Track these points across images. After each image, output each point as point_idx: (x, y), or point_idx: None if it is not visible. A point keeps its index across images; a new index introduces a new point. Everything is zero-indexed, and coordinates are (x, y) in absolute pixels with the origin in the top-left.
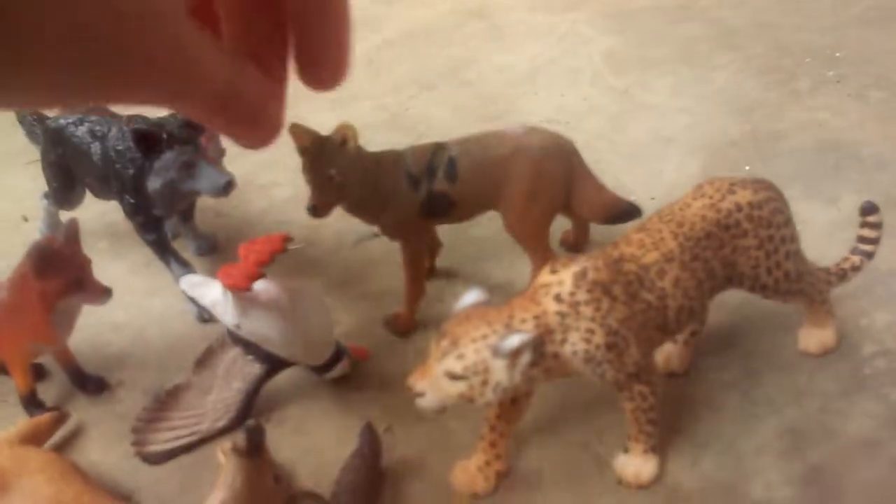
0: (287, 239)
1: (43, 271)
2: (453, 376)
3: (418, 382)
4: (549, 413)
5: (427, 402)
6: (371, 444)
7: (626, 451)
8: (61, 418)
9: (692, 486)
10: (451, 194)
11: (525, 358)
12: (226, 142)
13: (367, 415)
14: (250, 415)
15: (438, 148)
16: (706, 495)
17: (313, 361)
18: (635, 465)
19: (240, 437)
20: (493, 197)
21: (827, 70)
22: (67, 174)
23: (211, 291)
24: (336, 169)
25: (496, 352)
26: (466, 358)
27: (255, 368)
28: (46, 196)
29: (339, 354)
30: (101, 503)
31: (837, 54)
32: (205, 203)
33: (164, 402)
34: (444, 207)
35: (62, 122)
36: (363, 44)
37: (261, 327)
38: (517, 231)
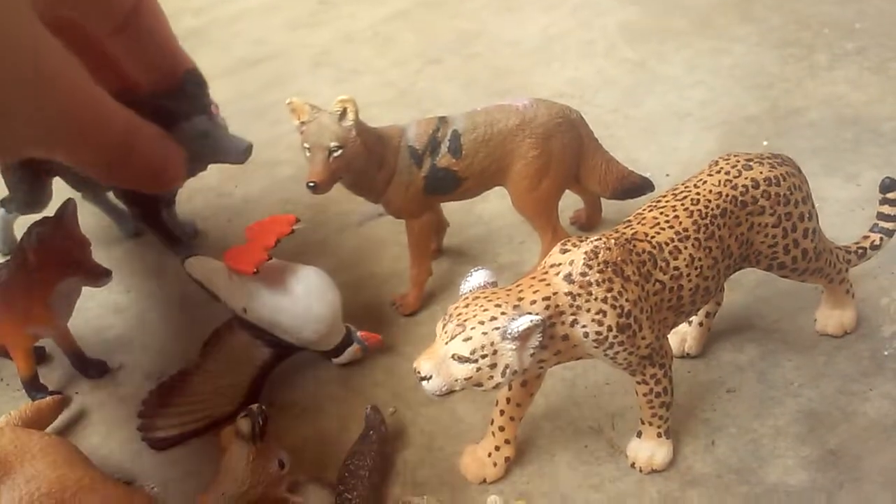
0: (294, 221)
1: (41, 254)
2: (460, 359)
3: (424, 365)
4: (560, 397)
5: (433, 385)
6: (377, 429)
7: (638, 435)
8: (63, 402)
9: (707, 471)
10: (456, 169)
11: (534, 340)
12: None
13: (373, 399)
14: (258, 400)
15: (442, 122)
16: (721, 479)
17: (322, 346)
18: (648, 449)
19: (243, 422)
20: (499, 172)
21: (846, 43)
22: (38, 173)
23: (216, 274)
24: (336, 142)
25: (505, 334)
26: (474, 340)
27: (263, 353)
28: (4, 203)
29: (348, 339)
30: (103, 487)
31: (857, 26)
32: (206, 184)
33: (171, 387)
34: (449, 183)
35: None
36: (367, 17)
37: (268, 311)
38: (525, 208)
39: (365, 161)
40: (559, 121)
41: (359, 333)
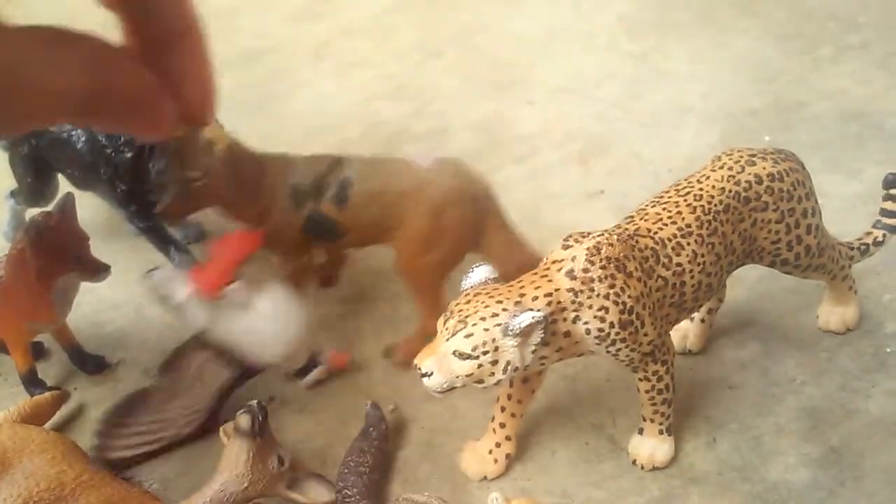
0: (262, 237)
1: (40, 248)
2: (462, 356)
3: (425, 362)
4: (561, 394)
5: (434, 382)
6: (377, 425)
7: (640, 431)
8: (62, 398)
9: (708, 468)
10: (338, 220)
11: (536, 337)
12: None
13: (374, 395)
14: (220, 421)
15: (335, 164)
16: (723, 477)
17: (287, 368)
18: (650, 446)
19: (243, 418)
20: (386, 231)
21: (850, 36)
22: (43, 168)
23: (181, 289)
24: (198, 172)
25: (506, 330)
26: (475, 337)
27: (224, 374)
28: (14, 195)
29: (315, 360)
30: (101, 483)
31: (861, 20)
32: None
33: (129, 407)
34: (329, 232)
35: None
36: (367, 9)
37: (230, 332)
38: (405, 276)
39: (232, 194)
40: (459, 192)
41: (329, 355)
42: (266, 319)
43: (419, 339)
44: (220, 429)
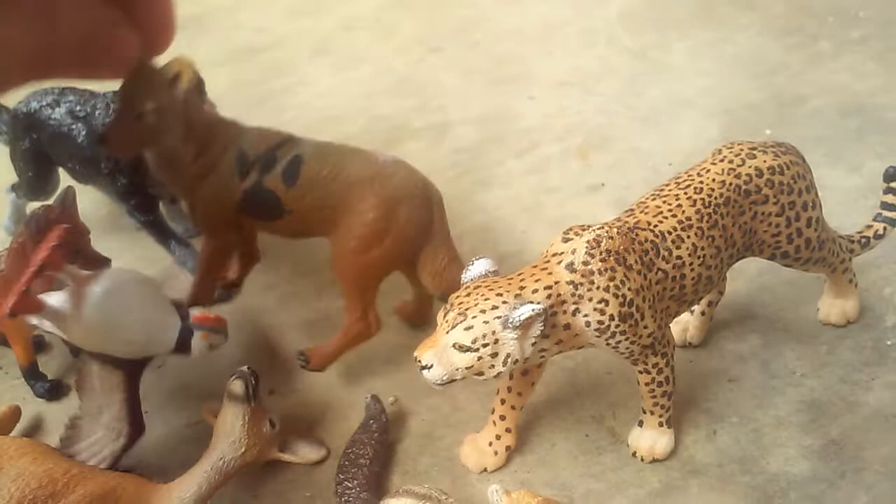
0: (62, 233)
1: (40, 241)
2: (461, 348)
3: (425, 354)
4: (561, 386)
5: (434, 374)
6: (378, 418)
7: (640, 424)
8: (18, 412)
9: (708, 460)
10: (283, 198)
11: (536, 329)
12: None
13: (374, 388)
14: (142, 421)
15: (289, 140)
16: (723, 469)
17: (157, 350)
18: (650, 438)
19: (236, 384)
20: (330, 220)
21: (850, 31)
22: (44, 162)
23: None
24: (152, 107)
25: (506, 323)
26: (475, 329)
27: (117, 375)
28: (14, 188)
29: (187, 331)
30: (93, 474)
31: (861, 14)
32: None
33: (70, 439)
34: (270, 209)
35: (34, 105)
36: (367, 4)
37: (82, 336)
38: (343, 271)
39: (178, 140)
40: (415, 191)
41: (195, 317)
42: (92, 317)
43: (338, 345)
44: (204, 411)
